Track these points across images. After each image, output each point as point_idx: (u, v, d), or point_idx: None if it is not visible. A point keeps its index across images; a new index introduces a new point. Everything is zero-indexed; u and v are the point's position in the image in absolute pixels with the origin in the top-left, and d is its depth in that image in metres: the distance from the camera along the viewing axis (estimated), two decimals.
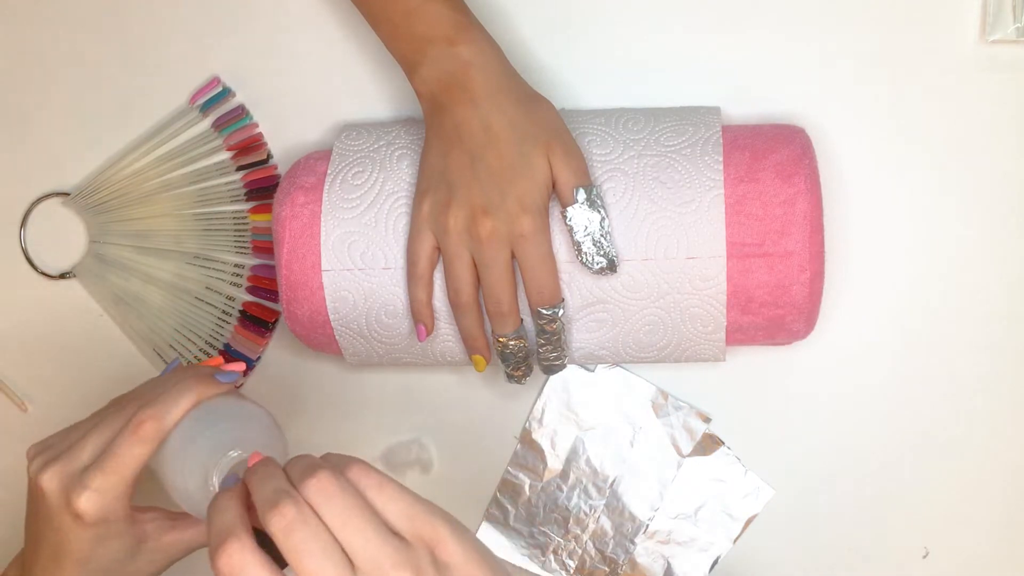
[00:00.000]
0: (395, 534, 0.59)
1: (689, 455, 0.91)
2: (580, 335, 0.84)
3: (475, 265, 0.80)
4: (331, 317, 0.85)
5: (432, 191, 0.81)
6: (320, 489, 0.58)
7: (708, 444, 0.91)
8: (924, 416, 0.90)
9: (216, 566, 0.57)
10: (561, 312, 0.81)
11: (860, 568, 0.91)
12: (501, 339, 0.82)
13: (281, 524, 0.57)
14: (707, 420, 0.91)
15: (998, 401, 0.89)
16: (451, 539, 0.59)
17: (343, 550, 0.57)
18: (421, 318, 0.83)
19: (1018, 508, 0.90)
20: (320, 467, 0.59)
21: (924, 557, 0.90)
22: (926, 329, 0.89)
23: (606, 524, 0.92)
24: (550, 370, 0.85)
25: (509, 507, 0.93)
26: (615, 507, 0.92)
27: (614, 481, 0.91)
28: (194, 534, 0.78)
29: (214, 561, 0.57)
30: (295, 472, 0.60)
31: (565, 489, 0.92)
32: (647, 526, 0.91)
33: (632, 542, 0.91)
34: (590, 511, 0.92)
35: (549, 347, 0.83)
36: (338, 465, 0.60)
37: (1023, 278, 0.88)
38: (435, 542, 0.59)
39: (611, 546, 0.92)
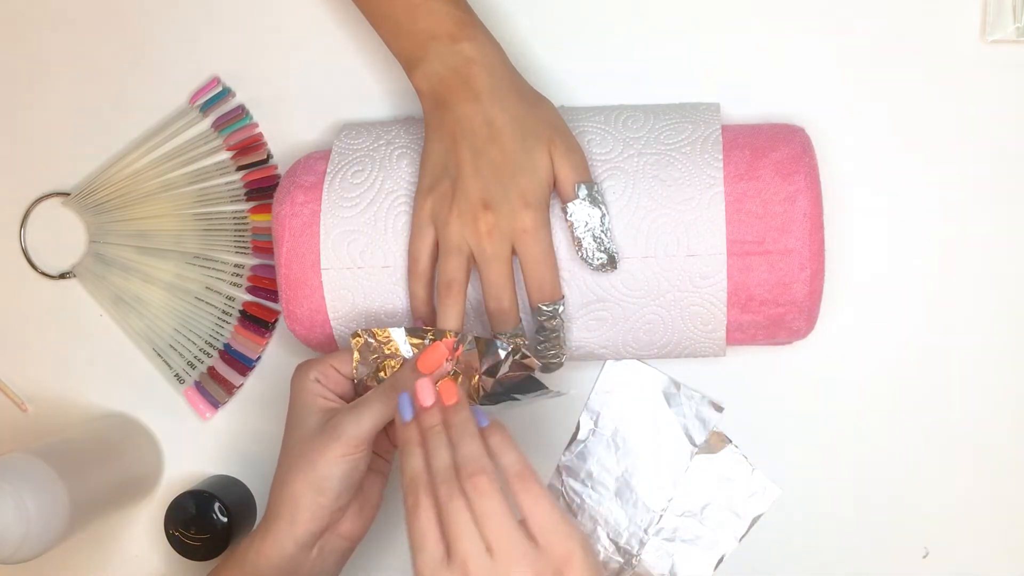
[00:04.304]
0: (531, 537, 0.69)
1: (701, 446, 0.91)
2: (580, 333, 0.84)
3: (472, 260, 0.80)
4: (330, 316, 0.85)
5: (434, 186, 0.81)
6: (477, 488, 0.70)
7: (715, 442, 0.91)
8: (925, 415, 0.90)
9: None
10: (561, 309, 0.81)
11: (860, 568, 0.91)
12: (499, 339, 0.82)
13: (441, 498, 0.70)
14: (719, 409, 0.90)
15: (999, 400, 0.89)
16: (581, 564, 0.69)
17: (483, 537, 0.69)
18: (421, 316, 0.83)
19: (1018, 508, 0.89)
20: (483, 470, 0.70)
21: (924, 557, 0.90)
22: (927, 327, 0.89)
23: (619, 515, 0.92)
24: (548, 368, 0.84)
25: None
26: (629, 498, 0.91)
27: (626, 472, 0.91)
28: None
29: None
30: (462, 458, 0.71)
31: (577, 481, 0.92)
32: (661, 516, 0.91)
33: (646, 532, 0.91)
34: (603, 503, 0.92)
35: (548, 344, 0.83)
36: (503, 464, 0.71)
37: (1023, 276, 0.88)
38: (564, 561, 0.69)
39: (625, 537, 0.92)
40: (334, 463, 0.79)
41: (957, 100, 0.89)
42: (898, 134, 0.89)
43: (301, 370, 0.83)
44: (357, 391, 0.84)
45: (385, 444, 0.86)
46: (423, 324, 0.83)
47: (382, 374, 0.82)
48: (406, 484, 0.72)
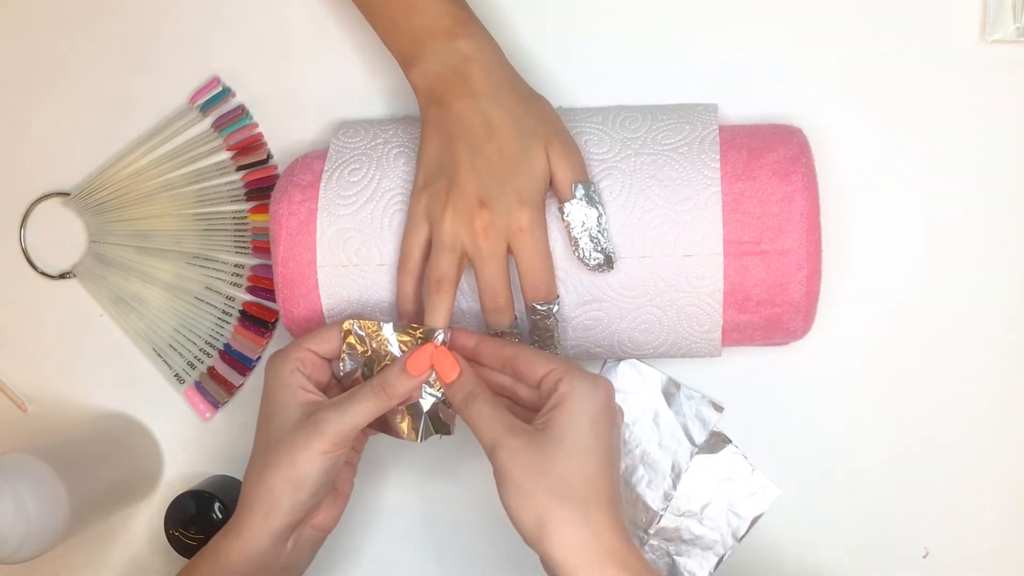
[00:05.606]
0: None
1: (701, 446, 0.90)
2: (576, 333, 0.84)
3: (465, 259, 0.80)
4: (326, 314, 0.85)
5: (430, 184, 0.81)
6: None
7: (716, 442, 0.91)
8: (924, 415, 0.89)
9: None
10: (556, 308, 0.81)
11: (860, 568, 0.91)
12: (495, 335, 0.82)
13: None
14: (719, 409, 0.90)
15: (998, 399, 0.89)
16: None
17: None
18: (407, 313, 0.83)
19: (1018, 508, 0.89)
20: None
21: (924, 557, 0.90)
22: (925, 328, 0.89)
23: None
24: None
25: None
26: (628, 498, 0.91)
27: (626, 471, 0.91)
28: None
29: None
30: None
31: None
32: (661, 516, 0.91)
33: (647, 532, 0.91)
34: None
35: (542, 344, 0.83)
36: None
37: (1022, 277, 0.88)
38: None
39: None
40: (315, 460, 0.78)
41: (957, 100, 0.88)
42: (897, 134, 0.89)
43: (278, 359, 0.81)
44: (343, 384, 0.84)
45: (358, 435, 0.85)
46: (407, 322, 0.83)
47: (367, 368, 0.82)
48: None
